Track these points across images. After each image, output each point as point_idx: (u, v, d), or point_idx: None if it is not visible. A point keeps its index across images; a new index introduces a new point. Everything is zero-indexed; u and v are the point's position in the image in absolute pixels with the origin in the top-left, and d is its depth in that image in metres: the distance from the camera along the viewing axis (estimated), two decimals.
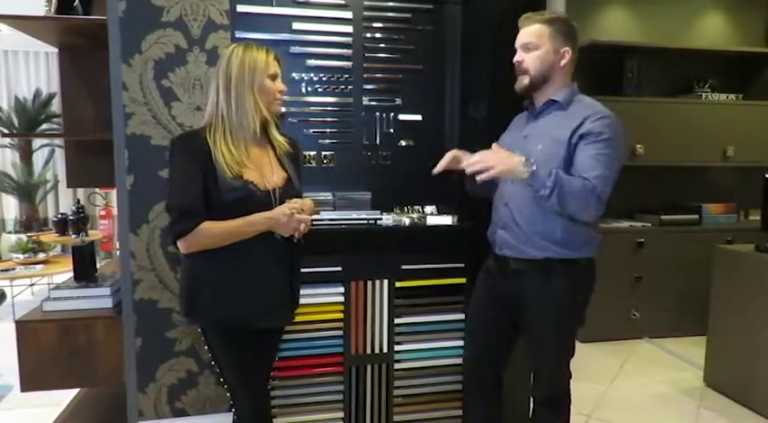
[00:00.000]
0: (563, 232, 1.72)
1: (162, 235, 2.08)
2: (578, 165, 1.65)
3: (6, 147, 6.24)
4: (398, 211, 2.40)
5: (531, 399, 1.96)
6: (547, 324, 1.80)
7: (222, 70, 1.62)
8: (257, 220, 1.57)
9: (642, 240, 3.83)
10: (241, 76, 1.60)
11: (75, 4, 2.15)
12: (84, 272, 2.27)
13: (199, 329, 1.70)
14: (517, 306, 1.84)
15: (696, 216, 4.01)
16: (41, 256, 4.41)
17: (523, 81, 1.78)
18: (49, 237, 4.80)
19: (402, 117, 2.49)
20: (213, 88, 1.64)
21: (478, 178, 1.61)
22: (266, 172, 1.66)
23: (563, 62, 1.76)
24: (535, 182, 1.60)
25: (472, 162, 1.62)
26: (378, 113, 2.48)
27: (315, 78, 2.41)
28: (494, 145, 1.68)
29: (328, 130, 2.45)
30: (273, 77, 1.66)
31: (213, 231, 1.54)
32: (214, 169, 1.56)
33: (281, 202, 1.63)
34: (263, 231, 1.59)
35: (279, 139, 1.73)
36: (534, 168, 1.59)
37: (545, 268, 1.75)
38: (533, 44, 1.74)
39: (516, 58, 1.79)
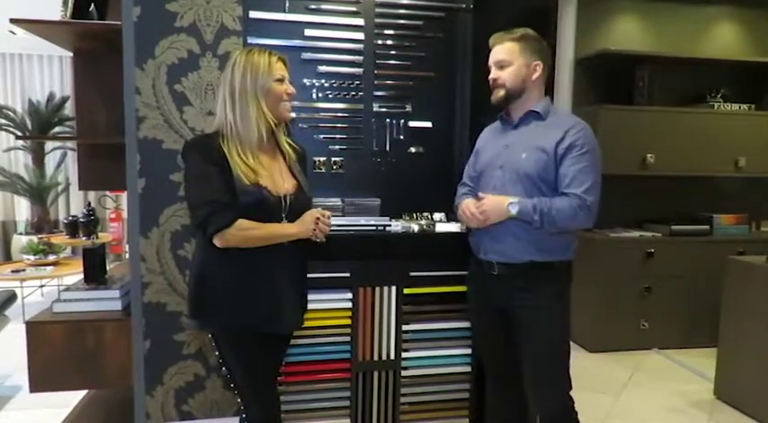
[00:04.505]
0: (544, 238, 1.78)
1: (172, 238, 2.09)
2: (566, 179, 1.75)
3: (19, 149, 6.29)
4: (407, 218, 2.40)
5: (537, 418, 1.89)
6: (543, 329, 1.80)
7: (227, 80, 1.62)
8: (289, 228, 1.63)
9: (652, 250, 3.79)
10: (244, 84, 1.59)
11: (90, 9, 2.17)
12: (95, 274, 2.29)
13: (209, 335, 1.70)
14: (507, 314, 1.85)
15: (707, 227, 3.97)
16: (52, 257, 4.46)
17: (499, 93, 1.86)
18: (59, 239, 4.84)
19: (412, 124, 2.50)
20: (220, 97, 1.64)
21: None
22: (278, 179, 1.67)
23: (535, 76, 1.84)
24: (524, 217, 1.74)
25: (469, 217, 1.80)
26: (388, 120, 2.49)
27: (326, 84, 2.42)
28: (484, 197, 1.80)
29: (338, 136, 2.46)
30: (281, 81, 1.65)
31: (253, 232, 1.56)
32: (230, 175, 1.56)
33: (292, 209, 1.64)
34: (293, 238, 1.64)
35: (287, 146, 1.74)
36: (518, 208, 1.73)
37: (530, 272, 1.79)
38: (506, 61, 1.83)
39: (492, 76, 1.88)
